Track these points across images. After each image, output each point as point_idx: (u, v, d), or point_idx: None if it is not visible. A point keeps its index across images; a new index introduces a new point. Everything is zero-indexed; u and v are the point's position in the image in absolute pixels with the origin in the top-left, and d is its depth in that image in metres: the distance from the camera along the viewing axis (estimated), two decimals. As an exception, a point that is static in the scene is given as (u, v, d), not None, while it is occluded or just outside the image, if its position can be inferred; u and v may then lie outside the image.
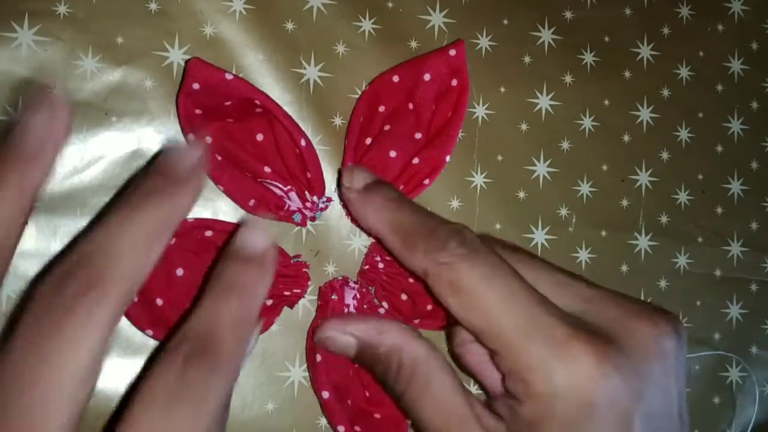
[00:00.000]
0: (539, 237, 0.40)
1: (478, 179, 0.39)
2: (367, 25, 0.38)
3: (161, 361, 0.20)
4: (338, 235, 0.36)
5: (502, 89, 0.39)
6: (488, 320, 0.25)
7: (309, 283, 0.35)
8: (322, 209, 0.35)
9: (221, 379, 0.20)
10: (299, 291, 0.34)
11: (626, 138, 0.42)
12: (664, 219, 0.42)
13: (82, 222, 0.32)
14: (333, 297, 0.34)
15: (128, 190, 0.22)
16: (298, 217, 0.34)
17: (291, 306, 0.34)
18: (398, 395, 0.28)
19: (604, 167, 0.41)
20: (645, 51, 0.43)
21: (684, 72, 0.44)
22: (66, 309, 0.18)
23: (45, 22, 0.33)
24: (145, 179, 0.22)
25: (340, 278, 0.35)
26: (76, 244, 0.21)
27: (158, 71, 0.34)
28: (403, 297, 0.34)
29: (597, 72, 0.41)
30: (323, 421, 0.35)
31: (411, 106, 0.36)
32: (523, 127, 0.40)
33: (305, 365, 0.35)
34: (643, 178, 0.42)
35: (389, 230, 0.29)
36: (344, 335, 0.30)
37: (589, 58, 0.41)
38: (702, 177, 0.44)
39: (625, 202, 0.42)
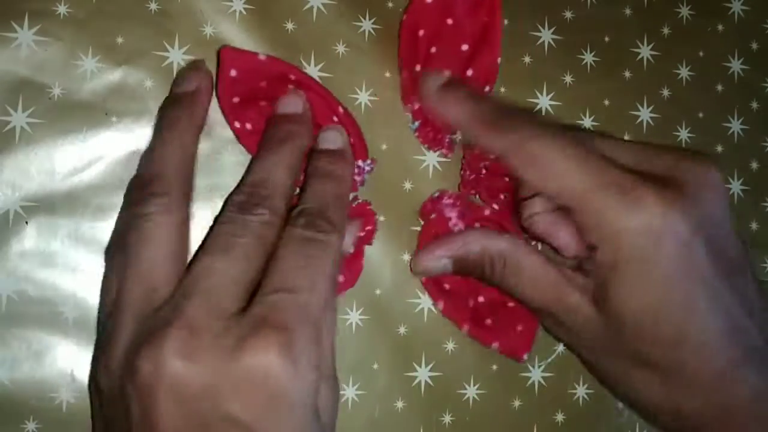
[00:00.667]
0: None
1: (478, 179, 0.39)
2: (367, 25, 0.38)
3: (285, 236, 0.28)
4: (338, 235, 0.36)
5: (503, 89, 0.39)
6: (563, 182, 0.29)
7: (377, 217, 0.36)
8: (368, 171, 0.36)
9: (333, 239, 0.28)
10: (371, 227, 0.35)
11: (626, 138, 0.42)
12: (664, 219, 0.42)
13: (82, 222, 0.32)
14: (432, 216, 0.36)
15: (270, 131, 0.32)
16: None
17: (370, 243, 0.36)
18: (500, 286, 0.33)
19: (604, 167, 0.41)
20: (645, 51, 0.43)
21: (684, 72, 0.44)
22: (252, 215, 0.28)
23: (45, 22, 0.33)
24: (281, 124, 0.32)
25: (436, 194, 0.37)
26: (246, 177, 0.30)
27: (158, 71, 0.34)
28: (502, 197, 0.37)
29: (597, 72, 0.41)
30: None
31: (450, 21, 0.36)
32: (523, 127, 0.40)
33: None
34: (643, 178, 0.42)
35: (471, 119, 0.32)
36: (436, 261, 0.34)
37: (589, 58, 0.42)
38: (702, 177, 0.44)
39: (625, 202, 0.42)
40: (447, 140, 0.37)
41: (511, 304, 0.36)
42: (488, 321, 0.36)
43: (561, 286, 0.31)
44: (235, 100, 0.33)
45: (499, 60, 0.37)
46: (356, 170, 0.35)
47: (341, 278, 0.34)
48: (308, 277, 0.26)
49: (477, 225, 0.36)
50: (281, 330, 0.24)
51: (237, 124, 0.33)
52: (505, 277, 0.32)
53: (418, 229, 0.38)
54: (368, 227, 0.35)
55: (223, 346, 0.24)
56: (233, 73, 0.33)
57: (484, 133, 0.32)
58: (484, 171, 0.37)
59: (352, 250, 0.34)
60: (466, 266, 0.34)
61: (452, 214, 0.36)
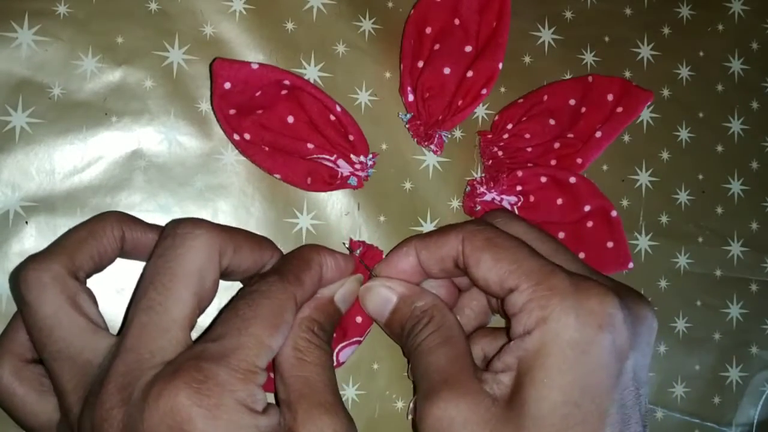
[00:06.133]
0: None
1: (478, 179, 0.39)
2: (367, 25, 0.38)
3: None
4: (339, 235, 0.36)
5: (502, 89, 0.39)
6: (516, 262, 0.29)
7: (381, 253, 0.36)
8: (371, 166, 0.36)
9: (275, 285, 0.29)
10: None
11: (627, 138, 0.42)
12: (664, 219, 0.42)
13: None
14: (477, 209, 0.37)
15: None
16: (354, 181, 0.36)
17: None
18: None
19: (605, 167, 0.41)
20: (645, 51, 0.43)
21: (684, 72, 0.44)
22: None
23: (45, 22, 0.33)
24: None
25: (467, 188, 0.38)
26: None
27: (158, 71, 0.34)
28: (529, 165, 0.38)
29: (597, 72, 0.41)
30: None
31: (457, 21, 0.37)
32: (523, 127, 0.40)
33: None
34: (643, 178, 0.42)
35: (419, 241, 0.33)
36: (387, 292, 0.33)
37: (589, 57, 0.41)
38: (702, 177, 0.44)
39: (625, 202, 0.42)
40: (437, 136, 0.37)
41: (589, 224, 0.38)
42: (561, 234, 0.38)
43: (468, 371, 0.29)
44: (232, 112, 0.33)
45: (500, 65, 0.37)
46: (359, 165, 0.36)
47: (359, 319, 0.34)
48: (236, 325, 0.27)
49: (519, 188, 0.37)
50: (191, 374, 0.25)
51: (236, 136, 0.34)
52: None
53: (419, 228, 0.38)
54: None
55: (140, 396, 0.25)
56: (227, 85, 0.33)
57: (442, 231, 0.32)
58: (500, 153, 0.38)
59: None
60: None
61: (493, 194, 0.37)
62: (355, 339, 0.34)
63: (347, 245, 0.36)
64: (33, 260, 0.28)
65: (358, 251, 0.35)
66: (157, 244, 0.29)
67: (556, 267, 0.29)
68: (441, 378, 0.29)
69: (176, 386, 0.24)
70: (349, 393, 0.36)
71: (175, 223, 0.29)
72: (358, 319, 0.34)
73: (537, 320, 0.27)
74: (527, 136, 0.38)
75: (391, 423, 0.36)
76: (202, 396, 0.24)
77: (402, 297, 0.32)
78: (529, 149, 0.38)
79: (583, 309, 0.27)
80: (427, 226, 0.38)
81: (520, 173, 0.37)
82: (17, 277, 0.28)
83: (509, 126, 0.38)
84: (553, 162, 0.38)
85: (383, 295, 0.33)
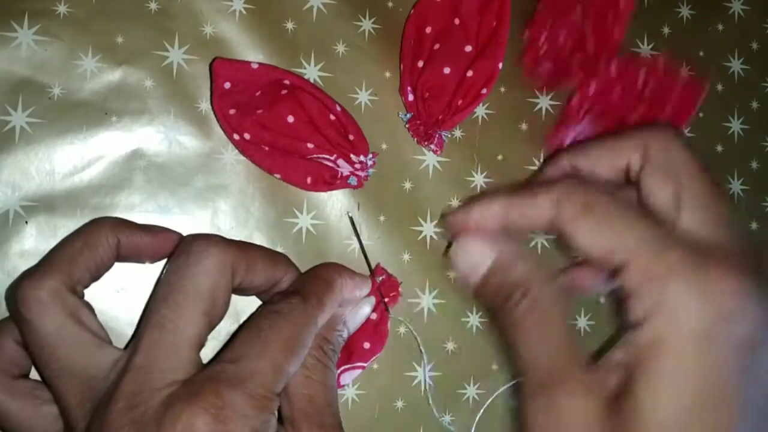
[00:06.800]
0: (540, 237, 0.40)
1: (479, 179, 0.39)
2: (367, 24, 0.38)
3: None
4: (338, 235, 0.36)
5: (502, 89, 0.39)
6: (625, 232, 0.25)
7: (400, 284, 0.36)
8: (371, 166, 0.36)
9: (297, 307, 0.29)
10: (395, 293, 0.36)
11: (626, 138, 0.42)
12: (664, 219, 0.42)
13: (81, 222, 0.32)
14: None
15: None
16: (354, 181, 0.36)
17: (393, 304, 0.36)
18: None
19: (604, 167, 0.41)
20: (645, 51, 0.43)
21: (684, 72, 0.44)
22: None
23: (45, 22, 0.33)
24: None
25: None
26: None
27: (158, 71, 0.34)
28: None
29: (597, 72, 0.41)
30: (323, 421, 0.35)
31: (457, 21, 0.37)
32: (524, 126, 0.40)
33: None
34: (643, 178, 0.42)
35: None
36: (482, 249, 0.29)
37: (589, 57, 0.41)
38: (702, 177, 0.43)
39: (625, 202, 0.42)
40: (437, 136, 0.37)
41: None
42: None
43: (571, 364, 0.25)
44: (232, 111, 0.33)
45: (500, 65, 0.37)
46: (359, 165, 0.36)
47: (367, 345, 0.34)
48: (255, 347, 0.27)
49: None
50: (211, 399, 0.25)
51: (236, 136, 0.34)
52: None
53: (419, 228, 0.38)
54: (392, 293, 0.35)
55: (155, 417, 0.25)
56: (227, 85, 0.33)
57: (532, 188, 0.28)
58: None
59: (374, 316, 0.34)
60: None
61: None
62: (359, 364, 0.35)
63: (349, 214, 0.36)
64: (29, 277, 0.27)
65: (380, 279, 0.35)
66: (172, 260, 0.28)
67: (673, 238, 0.24)
68: (548, 370, 0.25)
69: (195, 411, 0.24)
70: (349, 393, 0.36)
71: (191, 239, 0.29)
72: (366, 345, 0.34)
73: (652, 306, 0.23)
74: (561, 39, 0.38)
75: (391, 423, 0.36)
76: (219, 423, 0.24)
77: (497, 261, 0.28)
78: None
79: (707, 293, 0.23)
80: (427, 226, 0.38)
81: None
82: (14, 296, 0.27)
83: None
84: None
85: (478, 254, 0.28)
